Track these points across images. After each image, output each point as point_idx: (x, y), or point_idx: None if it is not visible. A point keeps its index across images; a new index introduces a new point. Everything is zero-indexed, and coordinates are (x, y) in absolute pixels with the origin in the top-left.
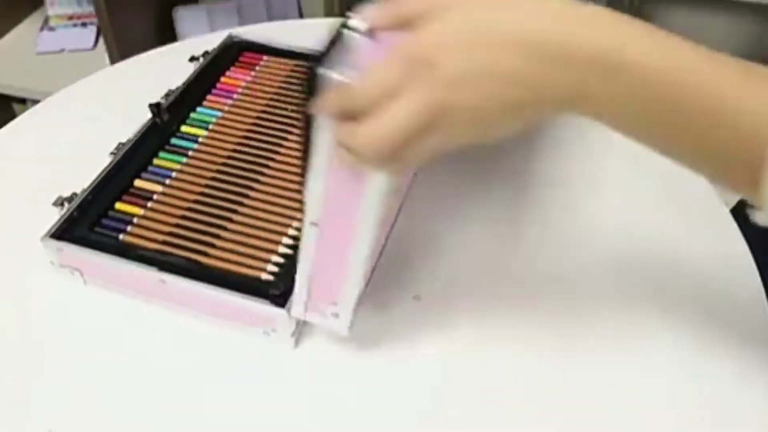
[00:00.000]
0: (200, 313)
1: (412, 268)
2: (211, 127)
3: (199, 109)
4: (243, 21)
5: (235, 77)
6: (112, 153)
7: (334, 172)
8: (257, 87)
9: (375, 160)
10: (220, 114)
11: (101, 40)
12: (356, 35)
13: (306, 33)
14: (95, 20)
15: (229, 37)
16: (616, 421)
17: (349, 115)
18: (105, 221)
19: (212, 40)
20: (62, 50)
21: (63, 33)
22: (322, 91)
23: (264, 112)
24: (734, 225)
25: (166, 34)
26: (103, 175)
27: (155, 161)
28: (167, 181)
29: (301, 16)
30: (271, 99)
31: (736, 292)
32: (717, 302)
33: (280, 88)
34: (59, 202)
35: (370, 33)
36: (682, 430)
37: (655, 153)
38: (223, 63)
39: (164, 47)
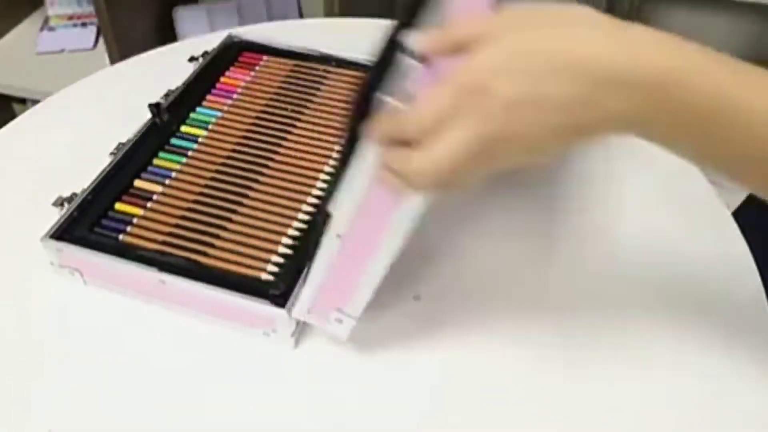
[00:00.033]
0: (200, 313)
1: (412, 268)
2: (210, 127)
3: (198, 109)
4: (243, 21)
5: (234, 77)
6: (111, 153)
7: (371, 190)
8: (257, 87)
9: (425, 187)
10: (219, 114)
11: (101, 40)
12: (411, 60)
13: (306, 33)
14: (95, 20)
15: (229, 37)
16: (616, 420)
17: (400, 141)
18: (105, 221)
19: (212, 40)
20: (62, 50)
21: (63, 33)
22: (374, 114)
23: (263, 112)
24: (734, 225)
25: (166, 34)
26: (102, 175)
27: (155, 161)
28: (167, 182)
29: (301, 16)
30: (270, 99)
31: (736, 292)
32: (717, 302)
33: (279, 88)
34: (59, 203)
35: (424, 58)
36: (682, 429)
37: (667, 154)
38: (222, 63)
39: (164, 47)
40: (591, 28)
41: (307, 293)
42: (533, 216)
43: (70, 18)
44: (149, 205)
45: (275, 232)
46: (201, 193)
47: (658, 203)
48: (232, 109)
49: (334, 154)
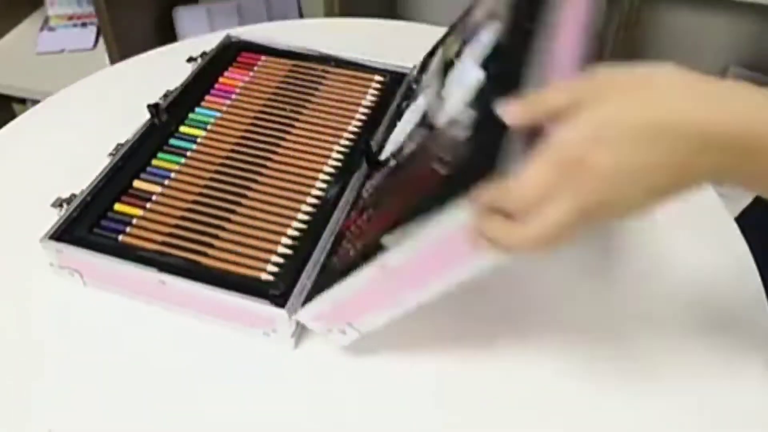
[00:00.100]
0: (200, 314)
1: None
2: (209, 127)
3: (197, 109)
4: (243, 21)
5: (233, 77)
6: (110, 154)
7: (446, 241)
8: (255, 87)
9: (520, 254)
10: (218, 114)
11: (101, 40)
12: (514, 132)
13: (306, 33)
14: (95, 20)
15: (227, 37)
16: (616, 420)
17: (499, 210)
18: (104, 222)
19: (212, 40)
20: (62, 50)
21: (63, 33)
22: (475, 180)
23: (262, 112)
24: (734, 226)
25: (166, 34)
26: (102, 175)
27: (154, 162)
28: (166, 182)
29: (301, 16)
30: (269, 99)
31: (736, 292)
32: (717, 302)
33: (278, 88)
34: (58, 203)
35: (524, 129)
36: (682, 426)
37: None
38: (221, 63)
39: (164, 47)
40: (681, 90)
41: (321, 305)
42: None
43: (70, 18)
44: (148, 205)
45: (275, 232)
46: (200, 194)
47: None
48: (230, 110)
49: (333, 154)
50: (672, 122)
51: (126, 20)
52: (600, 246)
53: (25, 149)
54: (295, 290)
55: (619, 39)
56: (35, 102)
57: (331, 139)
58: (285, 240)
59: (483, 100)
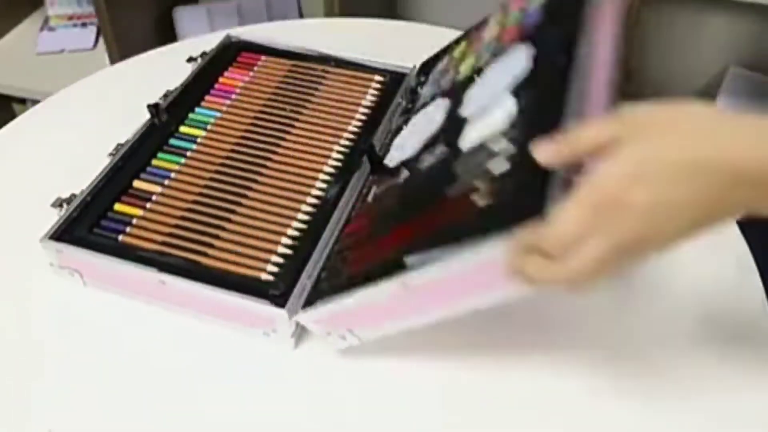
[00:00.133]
0: (200, 314)
1: None
2: (209, 127)
3: (197, 109)
4: (243, 21)
5: (233, 77)
6: (110, 154)
7: (477, 271)
8: (255, 87)
9: (556, 289)
10: (218, 114)
11: (101, 40)
12: (554, 171)
13: (305, 33)
14: (95, 20)
15: (227, 37)
16: (616, 420)
17: (538, 249)
18: (104, 222)
19: (212, 40)
20: (62, 50)
21: (63, 33)
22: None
23: (262, 112)
24: (734, 226)
25: (166, 34)
26: (102, 176)
27: (154, 162)
28: (166, 182)
29: (301, 16)
30: (269, 99)
31: (736, 292)
32: (717, 303)
33: (278, 88)
34: (58, 203)
35: (564, 167)
36: (683, 424)
37: None
38: (221, 63)
39: (164, 47)
40: (713, 129)
41: (327, 310)
42: None
43: (70, 18)
44: (148, 205)
45: (274, 232)
46: (200, 194)
47: None
48: (230, 110)
49: (333, 154)
50: (706, 159)
51: (126, 20)
52: None
53: (25, 149)
54: (295, 290)
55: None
56: (35, 102)
57: (331, 139)
58: (285, 240)
59: (520, 133)
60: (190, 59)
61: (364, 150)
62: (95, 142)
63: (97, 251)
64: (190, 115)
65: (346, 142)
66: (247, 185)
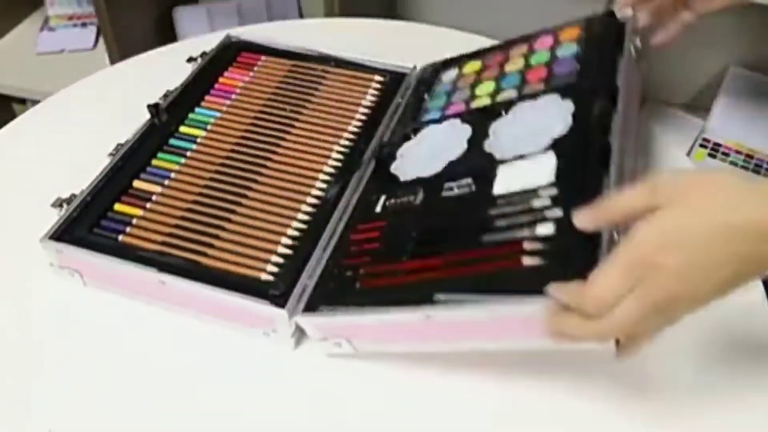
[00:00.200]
0: (200, 314)
1: None
2: (209, 127)
3: (197, 109)
4: (243, 21)
5: (233, 77)
6: (110, 154)
7: (510, 321)
8: (255, 87)
9: (592, 344)
10: (218, 114)
11: (101, 40)
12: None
13: (305, 33)
14: (95, 20)
15: (227, 37)
16: (617, 420)
17: (574, 308)
18: (104, 222)
19: (212, 40)
20: (62, 50)
21: (63, 33)
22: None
23: (262, 112)
24: None
25: (166, 34)
26: (102, 176)
27: (154, 162)
28: (166, 182)
29: (301, 16)
30: (269, 99)
31: (736, 292)
32: (717, 302)
33: (278, 88)
34: (58, 203)
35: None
36: (683, 421)
37: None
38: (221, 63)
39: (164, 47)
40: (738, 194)
41: (334, 319)
42: None
43: (70, 18)
44: (148, 205)
45: (274, 232)
46: (200, 194)
47: None
48: (230, 110)
49: (333, 154)
50: (731, 223)
51: (126, 20)
52: None
53: (25, 149)
54: (295, 290)
55: None
56: (35, 102)
57: (331, 139)
58: (285, 240)
59: (564, 196)
60: (190, 59)
61: (376, 153)
62: (95, 142)
63: (97, 251)
64: (190, 115)
65: (346, 142)
66: (247, 185)
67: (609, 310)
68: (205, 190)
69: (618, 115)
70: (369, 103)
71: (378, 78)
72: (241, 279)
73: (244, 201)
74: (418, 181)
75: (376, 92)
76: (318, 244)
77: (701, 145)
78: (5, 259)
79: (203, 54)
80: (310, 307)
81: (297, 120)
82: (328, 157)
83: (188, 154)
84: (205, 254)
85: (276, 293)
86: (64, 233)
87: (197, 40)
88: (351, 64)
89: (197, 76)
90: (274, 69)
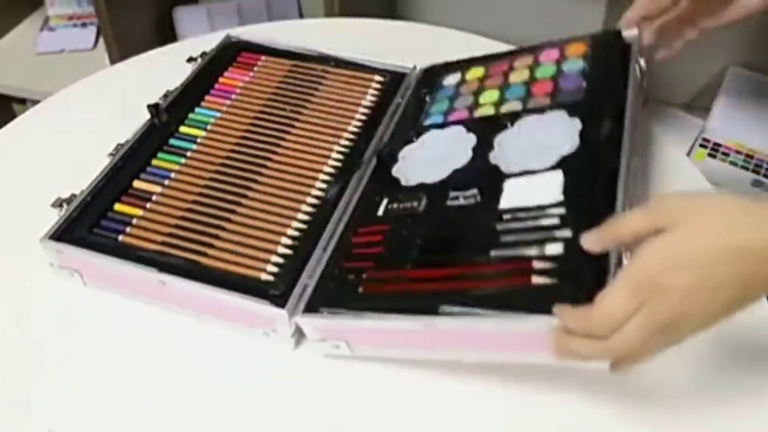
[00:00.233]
0: (200, 314)
1: None
2: (209, 127)
3: (197, 109)
4: (243, 21)
5: (233, 77)
6: (110, 154)
7: (515, 337)
8: (255, 87)
9: (598, 363)
10: (218, 114)
11: (101, 40)
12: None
13: (305, 33)
14: (95, 20)
15: (227, 37)
16: (618, 425)
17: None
18: (104, 222)
19: (212, 41)
20: (62, 50)
21: (63, 33)
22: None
23: (262, 112)
24: None
25: (166, 34)
26: (102, 176)
27: (154, 162)
28: (166, 182)
29: (301, 16)
30: (269, 99)
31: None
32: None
33: (278, 88)
34: (58, 203)
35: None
36: (687, 428)
37: None
38: (221, 63)
39: (164, 47)
40: (740, 216)
41: (334, 322)
42: None
43: (70, 18)
44: (148, 205)
45: (274, 232)
46: (200, 194)
47: None
48: (230, 110)
49: (333, 154)
50: (735, 244)
51: (126, 20)
52: None
53: (25, 149)
54: (295, 290)
55: None
56: (35, 102)
57: (331, 139)
58: (285, 240)
59: (573, 216)
60: (190, 59)
61: (378, 152)
62: (95, 142)
63: (97, 251)
64: (190, 115)
65: (346, 142)
66: (247, 185)
67: (615, 330)
68: (205, 190)
69: (625, 137)
70: (369, 103)
71: (378, 78)
72: (241, 279)
73: (244, 201)
74: (422, 187)
75: (376, 92)
76: (318, 244)
77: (701, 145)
78: (5, 259)
79: (203, 54)
80: (311, 308)
81: (297, 120)
82: (328, 157)
83: (188, 154)
84: (205, 254)
85: (276, 293)
86: (64, 233)
87: (197, 40)
88: (351, 64)
89: (197, 76)
90: (274, 69)
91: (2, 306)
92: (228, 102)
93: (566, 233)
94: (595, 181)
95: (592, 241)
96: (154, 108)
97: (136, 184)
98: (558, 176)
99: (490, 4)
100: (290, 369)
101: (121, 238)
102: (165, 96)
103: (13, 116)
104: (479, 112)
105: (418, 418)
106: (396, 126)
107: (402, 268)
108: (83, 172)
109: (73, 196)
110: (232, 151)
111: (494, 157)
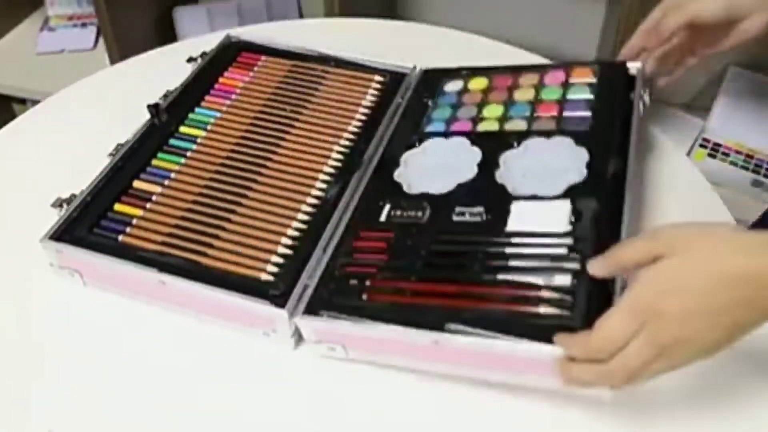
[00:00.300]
0: (200, 314)
1: None
2: (209, 127)
3: (197, 109)
4: (243, 21)
5: (233, 78)
6: (110, 154)
7: (518, 360)
8: (255, 87)
9: (598, 388)
10: (218, 114)
11: (101, 40)
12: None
13: (305, 33)
14: (95, 20)
15: (227, 37)
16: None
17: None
18: (104, 222)
19: (212, 41)
20: (62, 50)
21: (63, 33)
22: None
23: (262, 112)
24: (735, 224)
25: (166, 34)
26: (102, 176)
27: (154, 162)
28: (166, 182)
29: (301, 16)
30: (269, 99)
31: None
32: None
33: (278, 88)
34: (58, 204)
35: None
36: (684, 420)
37: None
38: (221, 63)
39: (164, 47)
40: (735, 245)
41: (335, 326)
42: None
43: (70, 18)
44: (148, 205)
45: (274, 232)
46: (200, 194)
47: (661, 204)
48: (230, 110)
49: (333, 154)
50: (733, 270)
51: (126, 20)
52: None
53: (25, 149)
54: (295, 290)
55: (619, 40)
56: (35, 102)
57: (331, 139)
58: (285, 240)
59: (581, 248)
60: (190, 59)
61: (383, 158)
62: (95, 142)
63: (97, 251)
64: (190, 115)
65: (346, 142)
66: (247, 185)
67: (615, 354)
68: (205, 190)
69: (629, 172)
70: (369, 103)
71: (378, 78)
72: (241, 279)
73: (244, 201)
74: (426, 197)
75: (376, 92)
76: (318, 244)
77: (701, 145)
78: (5, 259)
79: (203, 54)
80: (311, 310)
81: (297, 120)
82: (328, 157)
83: (188, 154)
84: (205, 254)
85: (276, 293)
86: (64, 233)
87: (197, 40)
88: (351, 64)
89: (197, 76)
90: (274, 69)
91: (2, 306)
92: (228, 102)
93: (574, 265)
94: (602, 214)
95: (597, 267)
96: (154, 108)
97: (136, 184)
98: (566, 205)
99: (490, 4)
100: (290, 369)
101: (121, 238)
102: (165, 96)
103: (13, 116)
104: (483, 126)
105: (418, 419)
106: (396, 128)
107: (407, 280)
108: (83, 172)
109: (73, 196)
110: (232, 151)
111: (500, 176)
